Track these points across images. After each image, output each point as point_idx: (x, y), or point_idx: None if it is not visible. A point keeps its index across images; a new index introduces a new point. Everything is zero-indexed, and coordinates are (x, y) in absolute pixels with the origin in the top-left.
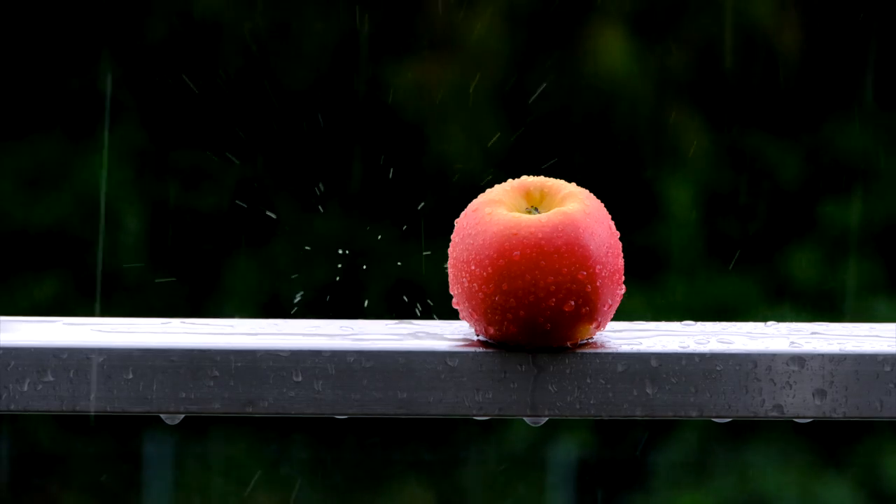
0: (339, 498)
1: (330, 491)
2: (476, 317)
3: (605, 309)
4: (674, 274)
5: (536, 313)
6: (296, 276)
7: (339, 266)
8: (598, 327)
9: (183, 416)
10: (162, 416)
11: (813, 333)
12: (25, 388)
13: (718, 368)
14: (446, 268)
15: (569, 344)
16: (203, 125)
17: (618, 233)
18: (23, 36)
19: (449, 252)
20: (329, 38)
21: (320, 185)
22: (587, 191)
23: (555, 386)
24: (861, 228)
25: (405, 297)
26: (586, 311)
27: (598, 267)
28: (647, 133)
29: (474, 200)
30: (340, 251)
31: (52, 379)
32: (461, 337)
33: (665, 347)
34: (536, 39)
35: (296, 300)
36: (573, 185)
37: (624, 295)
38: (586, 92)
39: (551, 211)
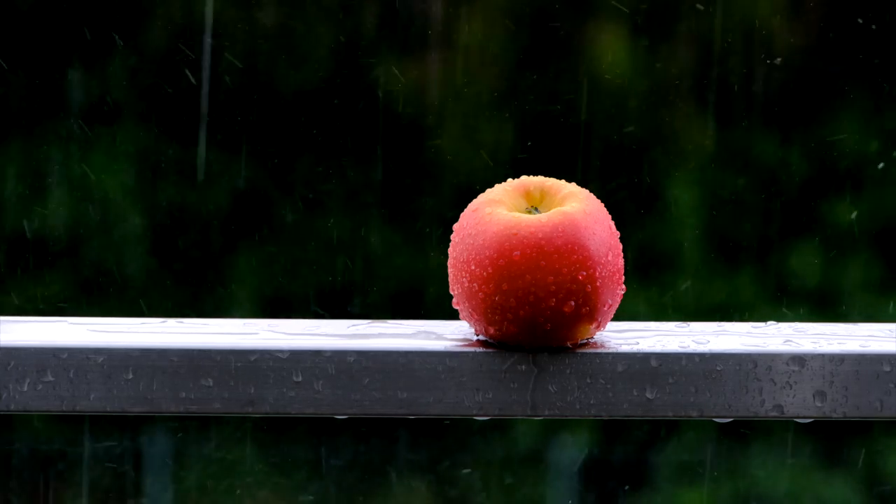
0: (340, 498)
1: (330, 491)
2: (476, 317)
3: (605, 309)
4: (674, 274)
5: (536, 313)
6: (296, 276)
7: (340, 266)
8: (598, 327)
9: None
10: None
11: (813, 333)
12: (25, 388)
13: (718, 368)
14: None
15: (569, 344)
16: (204, 125)
17: (618, 233)
18: (23, 35)
19: (449, 252)
20: (330, 37)
21: (321, 185)
22: (587, 191)
23: (555, 386)
24: (861, 228)
25: (405, 298)
26: (586, 311)
27: (598, 267)
28: (648, 133)
29: (474, 200)
30: (341, 251)
31: (52, 379)
32: (461, 337)
33: (665, 347)
34: (537, 39)
35: (297, 300)
36: (573, 184)
37: (624, 295)
38: (587, 91)
39: (551, 211)
